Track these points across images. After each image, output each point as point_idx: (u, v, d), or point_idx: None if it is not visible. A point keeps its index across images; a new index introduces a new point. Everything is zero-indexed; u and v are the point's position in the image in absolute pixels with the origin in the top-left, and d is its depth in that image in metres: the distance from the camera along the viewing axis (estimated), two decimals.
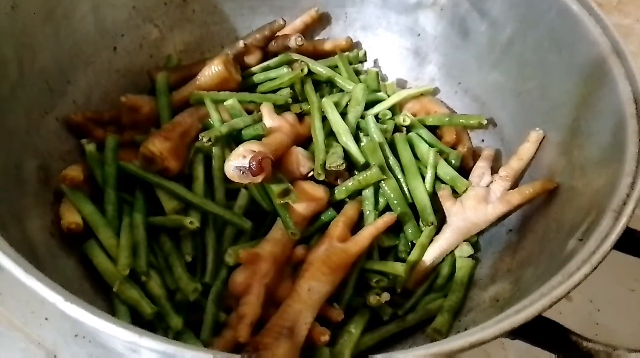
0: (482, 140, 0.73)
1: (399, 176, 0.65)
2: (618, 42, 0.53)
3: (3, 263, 0.37)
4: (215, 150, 0.63)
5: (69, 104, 0.67)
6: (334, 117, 0.67)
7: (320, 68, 0.73)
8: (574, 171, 0.55)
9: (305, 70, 0.70)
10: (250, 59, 0.75)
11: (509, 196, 0.61)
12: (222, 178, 0.63)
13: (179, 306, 0.56)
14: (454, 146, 0.71)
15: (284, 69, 0.72)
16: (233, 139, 0.65)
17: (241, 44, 0.72)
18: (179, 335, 0.55)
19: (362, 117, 0.70)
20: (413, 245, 0.63)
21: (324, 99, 0.69)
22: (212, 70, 0.69)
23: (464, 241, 0.63)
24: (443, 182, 0.65)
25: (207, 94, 0.68)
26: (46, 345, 0.64)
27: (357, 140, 0.67)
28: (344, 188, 0.63)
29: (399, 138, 0.68)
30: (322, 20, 0.81)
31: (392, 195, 0.63)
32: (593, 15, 0.55)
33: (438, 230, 0.63)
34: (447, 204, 0.63)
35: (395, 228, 0.63)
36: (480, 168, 0.66)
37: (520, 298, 0.49)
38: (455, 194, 0.64)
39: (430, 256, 0.62)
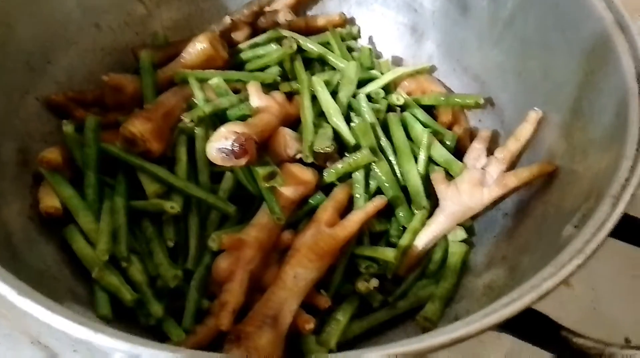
0: (480, 121, 0.70)
1: (391, 158, 0.62)
2: (623, 17, 0.49)
3: None
4: (198, 131, 0.61)
5: (51, 84, 0.64)
6: (324, 96, 0.64)
7: (311, 45, 0.70)
8: (575, 154, 0.52)
9: (295, 47, 0.67)
10: (237, 35, 0.72)
11: (505, 179, 0.58)
12: (206, 160, 0.60)
13: (161, 292, 0.55)
14: (450, 127, 0.68)
15: (273, 46, 0.69)
16: (218, 119, 0.63)
17: (228, 19, 0.69)
18: (161, 322, 0.53)
19: (354, 96, 0.67)
20: (405, 229, 0.60)
21: (314, 78, 0.66)
22: (197, 47, 0.66)
23: (458, 225, 0.60)
24: (437, 164, 0.62)
25: (192, 73, 0.65)
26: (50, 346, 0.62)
27: (349, 120, 0.65)
28: (333, 171, 0.61)
29: (392, 118, 0.65)
30: None
31: (383, 178, 0.61)
32: None
33: (431, 214, 0.61)
34: (441, 187, 0.60)
35: (387, 212, 0.61)
36: (476, 150, 0.63)
37: (514, 288, 0.47)
38: (450, 177, 0.61)
39: (422, 241, 0.59)
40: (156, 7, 0.74)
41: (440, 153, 0.62)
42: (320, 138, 0.59)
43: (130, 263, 0.55)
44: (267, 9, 0.71)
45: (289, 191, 0.59)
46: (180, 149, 0.60)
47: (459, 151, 0.67)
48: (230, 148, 0.53)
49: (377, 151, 0.61)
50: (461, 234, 0.60)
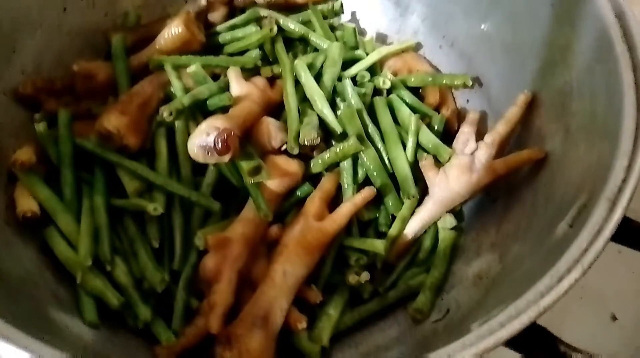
0: (468, 100, 0.69)
1: (379, 144, 0.61)
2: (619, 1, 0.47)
3: None
4: (178, 124, 0.58)
5: (17, 75, 0.61)
6: (308, 81, 0.62)
7: (292, 25, 0.67)
8: (565, 140, 0.51)
9: (275, 29, 0.64)
10: (214, 16, 0.68)
11: (494, 164, 0.57)
12: (187, 154, 0.58)
13: (148, 294, 0.53)
14: (437, 108, 0.67)
15: (252, 28, 0.66)
16: (198, 108, 0.60)
17: (203, 0, 0.65)
18: (150, 325, 0.52)
19: (339, 79, 0.65)
20: (394, 217, 0.59)
21: (296, 61, 0.63)
22: (173, 32, 0.62)
23: (448, 212, 0.59)
24: (425, 150, 0.61)
25: (168, 59, 0.62)
26: None
27: (334, 105, 0.62)
28: (320, 161, 0.59)
29: (378, 101, 0.63)
30: None
31: (371, 166, 0.59)
32: None
33: (420, 200, 0.60)
34: (430, 174, 0.59)
35: (376, 200, 0.60)
36: (465, 134, 0.61)
37: (505, 280, 0.47)
38: (438, 163, 0.60)
39: (411, 228, 0.59)
40: None
41: (429, 138, 0.61)
42: (306, 128, 0.57)
43: (114, 265, 0.53)
44: None
45: (274, 185, 0.57)
46: (160, 143, 0.58)
47: (447, 132, 0.65)
48: (213, 145, 0.51)
49: (364, 138, 0.60)
50: (451, 221, 0.59)
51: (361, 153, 0.59)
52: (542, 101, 0.57)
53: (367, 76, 0.65)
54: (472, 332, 0.33)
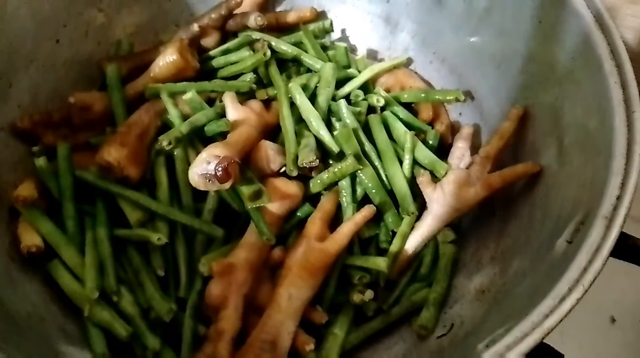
0: (460, 114, 0.70)
1: (376, 162, 0.62)
2: (602, 16, 0.49)
3: None
4: (177, 152, 0.59)
5: (14, 109, 0.61)
6: (304, 103, 0.62)
7: (284, 47, 0.68)
8: (559, 155, 0.52)
9: (269, 53, 0.65)
10: (207, 41, 0.69)
11: (490, 178, 0.58)
12: (187, 181, 0.58)
13: (155, 323, 0.54)
14: (431, 123, 0.68)
15: (246, 52, 0.67)
16: (196, 135, 0.61)
17: (196, 27, 0.66)
18: (159, 355, 0.53)
19: (334, 98, 0.66)
20: (394, 233, 0.60)
21: (291, 84, 0.64)
22: (167, 59, 0.63)
23: (446, 226, 0.60)
24: (422, 166, 0.62)
25: (164, 87, 0.62)
26: None
27: (330, 125, 0.63)
28: (319, 181, 0.60)
29: (373, 119, 0.64)
30: None
31: (369, 184, 0.60)
32: None
33: (419, 216, 0.61)
34: (428, 190, 0.60)
35: (375, 217, 0.60)
36: (460, 149, 0.63)
37: (507, 296, 0.48)
38: (435, 178, 0.61)
39: (412, 244, 0.60)
40: (116, 13, 0.70)
41: (425, 154, 0.62)
42: (304, 151, 0.58)
43: (120, 295, 0.54)
44: (236, 11, 0.68)
45: (275, 207, 0.58)
46: (160, 172, 0.59)
47: (441, 146, 0.67)
48: (214, 173, 0.52)
49: (362, 157, 0.60)
50: (450, 235, 0.60)
51: (359, 171, 0.60)
52: (534, 115, 0.58)
53: (361, 94, 0.66)
54: (485, 354, 0.34)
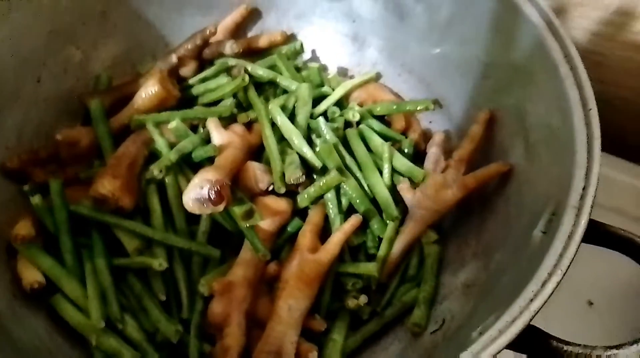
0: (431, 122, 0.74)
1: (357, 174, 0.65)
2: (553, 23, 0.54)
3: None
4: (168, 179, 0.61)
5: (2, 150, 0.62)
6: (284, 123, 0.66)
7: (260, 71, 0.71)
8: (527, 153, 0.57)
9: (247, 79, 0.68)
10: (185, 71, 0.71)
11: (465, 180, 0.62)
12: (180, 206, 0.61)
13: (162, 346, 0.56)
14: (404, 132, 0.72)
15: (224, 78, 0.69)
16: (183, 161, 0.63)
17: (174, 58, 0.68)
18: None
19: (312, 116, 0.69)
20: (380, 239, 0.64)
21: (270, 106, 0.67)
22: (149, 91, 0.65)
23: (429, 228, 0.64)
24: (400, 174, 0.66)
25: (149, 118, 0.65)
26: None
27: (310, 142, 0.66)
28: (306, 196, 0.63)
29: (351, 133, 0.68)
30: (253, 15, 0.78)
31: (353, 195, 0.63)
32: None
33: (402, 220, 0.64)
34: (408, 196, 0.63)
35: (362, 225, 0.63)
36: (434, 154, 0.66)
37: (492, 288, 0.52)
38: (413, 184, 0.65)
39: (398, 248, 0.63)
40: (93, 49, 0.72)
41: (402, 162, 0.65)
42: (290, 168, 0.61)
43: (125, 322, 0.55)
44: (211, 40, 0.71)
45: (267, 224, 0.60)
46: (153, 200, 0.61)
47: (416, 153, 0.70)
48: (207, 196, 0.54)
49: (344, 169, 0.64)
50: (433, 236, 0.64)
51: (343, 183, 0.63)
52: (500, 117, 0.63)
53: (337, 111, 0.70)
54: (476, 342, 0.37)
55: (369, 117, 0.71)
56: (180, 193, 0.61)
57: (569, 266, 0.39)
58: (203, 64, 0.74)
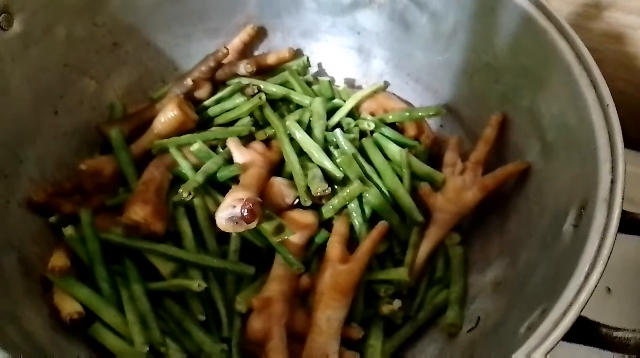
0: (441, 126, 0.76)
1: (378, 181, 0.67)
2: (564, 26, 0.56)
3: None
4: (196, 201, 0.62)
5: (27, 184, 0.63)
6: (303, 138, 0.67)
7: (274, 88, 0.73)
8: (544, 152, 0.59)
9: (264, 98, 0.69)
10: (200, 93, 0.72)
11: (485, 181, 0.64)
12: (210, 227, 0.62)
13: None
14: (417, 138, 0.74)
15: (239, 98, 0.71)
16: (208, 181, 0.64)
17: (189, 81, 0.70)
18: None
19: (327, 129, 0.71)
20: (405, 244, 0.65)
21: (287, 122, 0.68)
22: (168, 115, 0.66)
23: (452, 230, 0.66)
24: (420, 178, 0.67)
25: (171, 142, 0.66)
26: None
27: (329, 154, 0.68)
28: (331, 207, 0.64)
29: (367, 143, 0.69)
30: (260, 34, 0.80)
31: (376, 203, 0.65)
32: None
33: (425, 225, 0.66)
34: (430, 200, 0.65)
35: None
36: (451, 158, 0.68)
37: (525, 284, 0.54)
38: (433, 187, 0.66)
39: (423, 251, 0.64)
40: (106, 78, 0.73)
41: (420, 167, 0.67)
42: (314, 181, 0.62)
43: (167, 346, 0.56)
44: (224, 61, 0.72)
45: (296, 238, 0.62)
46: (183, 223, 0.62)
47: (429, 158, 0.72)
48: (240, 215, 0.56)
49: (364, 178, 0.65)
50: (457, 237, 0.66)
51: (365, 192, 0.65)
52: (513, 120, 0.65)
53: (352, 121, 0.71)
54: (533, 336, 0.39)
55: (382, 126, 0.72)
56: (209, 214, 0.62)
57: (609, 256, 0.41)
58: (216, 85, 0.75)
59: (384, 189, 0.66)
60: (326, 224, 0.65)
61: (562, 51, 0.55)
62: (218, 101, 0.72)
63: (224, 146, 0.68)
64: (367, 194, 0.65)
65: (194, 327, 0.57)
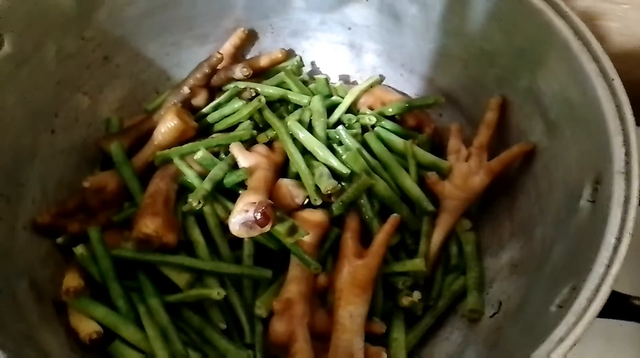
0: (441, 114, 0.76)
1: (384, 175, 0.66)
2: (557, 3, 0.56)
3: None
4: (206, 208, 0.61)
5: (30, 206, 0.61)
6: (306, 137, 0.67)
7: (271, 90, 0.72)
8: (548, 130, 0.59)
9: (263, 100, 0.69)
10: (197, 100, 0.71)
11: (491, 165, 0.64)
12: (221, 234, 0.62)
13: None
14: (418, 128, 0.74)
15: (237, 103, 0.70)
16: (215, 189, 0.63)
17: (186, 89, 0.69)
18: None
19: (328, 127, 0.70)
20: (417, 235, 0.65)
21: (289, 122, 0.68)
22: (168, 125, 0.65)
23: (462, 217, 0.66)
24: (426, 168, 0.67)
25: (174, 152, 0.65)
26: None
27: (333, 151, 0.68)
28: (340, 203, 0.64)
29: (369, 137, 0.69)
30: (250, 37, 0.79)
31: (385, 195, 0.65)
32: None
33: (435, 213, 0.66)
34: (438, 188, 0.65)
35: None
36: (454, 145, 0.68)
37: (544, 262, 0.54)
38: (440, 176, 0.66)
39: (436, 240, 0.65)
40: (99, 93, 0.72)
41: (425, 157, 0.67)
42: (322, 179, 0.62)
43: (190, 357, 0.55)
44: (219, 67, 0.72)
45: (309, 238, 0.61)
46: (194, 232, 0.61)
47: (432, 147, 0.72)
48: (254, 219, 0.55)
49: (371, 172, 0.65)
50: (467, 224, 0.66)
51: (373, 186, 0.65)
52: (513, 101, 0.65)
53: (353, 117, 0.71)
54: (567, 315, 0.39)
55: (382, 119, 0.72)
56: (219, 221, 0.62)
57: (633, 227, 0.41)
58: (212, 91, 0.74)
59: (391, 181, 0.66)
60: (337, 221, 0.65)
61: (559, 28, 0.55)
62: (216, 108, 0.71)
63: (226, 153, 0.67)
64: (375, 188, 0.65)
65: (215, 335, 0.56)
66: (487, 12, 0.64)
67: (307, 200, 0.64)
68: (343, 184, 0.65)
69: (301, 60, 0.79)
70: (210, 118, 0.71)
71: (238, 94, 0.71)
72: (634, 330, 0.65)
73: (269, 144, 0.69)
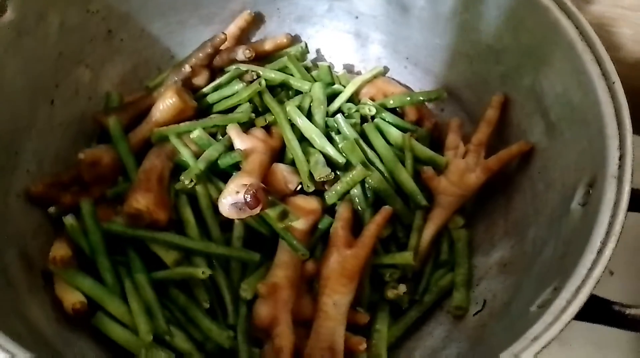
0: (442, 109, 0.75)
1: (380, 166, 0.66)
2: (566, 3, 0.55)
3: None
4: (199, 188, 0.61)
5: (24, 176, 0.62)
6: (304, 123, 0.66)
7: (273, 74, 0.72)
8: (548, 131, 0.58)
9: (264, 83, 0.69)
10: (198, 80, 0.71)
11: (488, 163, 0.64)
12: (213, 215, 0.62)
13: (211, 355, 0.56)
14: (418, 122, 0.73)
15: (239, 85, 0.70)
16: (210, 170, 0.63)
17: (187, 68, 0.69)
18: None
19: (328, 114, 0.70)
20: (409, 228, 0.65)
21: (288, 108, 0.67)
22: (167, 103, 0.65)
23: (455, 213, 0.66)
24: (422, 162, 0.67)
25: (171, 130, 0.65)
26: None
27: (330, 139, 0.67)
28: (334, 192, 0.64)
29: (368, 128, 0.69)
30: (256, 20, 0.78)
31: (379, 187, 0.64)
32: None
33: (428, 208, 0.65)
34: (433, 183, 0.65)
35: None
36: (453, 141, 0.68)
37: (533, 263, 0.53)
38: (437, 171, 0.66)
39: (428, 235, 0.64)
40: (101, 67, 0.72)
41: (423, 151, 0.67)
42: (317, 167, 0.62)
43: (172, 335, 0.55)
44: (222, 47, 0.71)
45: (300, 224, 0.61)
46: (186, 211, 0.61)
47: (431, 142, 0.72)
48: (244, 200, 0.55)
49: (367, 163, 0.65)
50: (460, 221, 0.65)
51: (367, 177, 0.64)
52: (515, 100, 0.64)
53: (353, 107, 0.71)
54: (545, 313, 0.38)
55: (383, 111, 0.72)
56: (211, 202, 0.61)
57: (620, 232, 0.41)
58: (214, 72, 0.74)
59: (386, 174, 0.66)
60: (330, 210, 0.65)
61: (565, 27, 0.54)
62: (216, 88, 0.71)
63: (224, 134, 0.67)
64: (370, 179, 0.64)
65: (199, 314, 0.56)
66: (496, 10, 0.63)
67: (300, 186, 0.63)
68: (338, 173, 0.65)
69: (307, 47, 0.79)
70: (209, 99, 0.71)
71: (239, 76, 0.71)
72: (622, 336, 0.64)
73: (267, 128, 0.69)
